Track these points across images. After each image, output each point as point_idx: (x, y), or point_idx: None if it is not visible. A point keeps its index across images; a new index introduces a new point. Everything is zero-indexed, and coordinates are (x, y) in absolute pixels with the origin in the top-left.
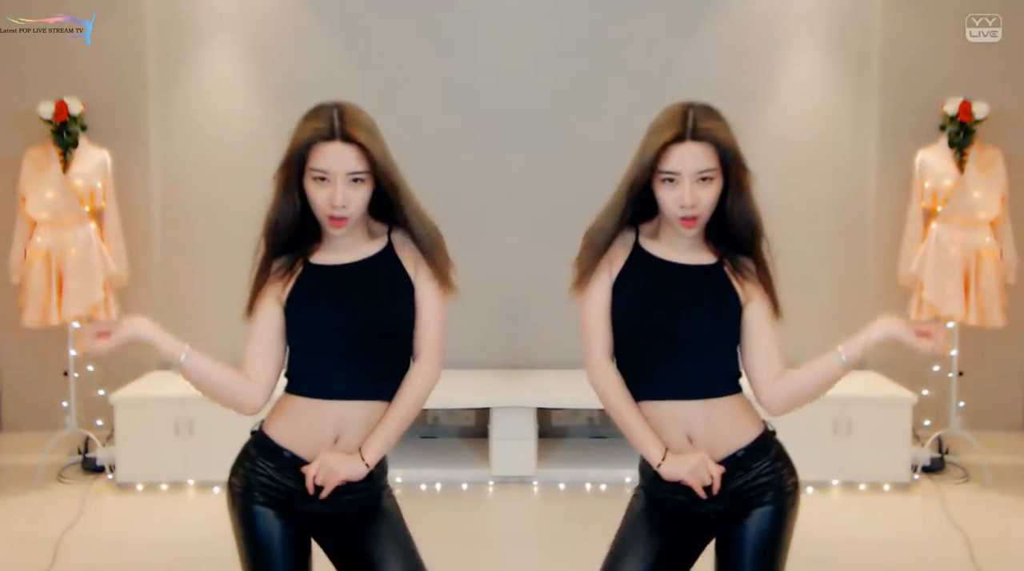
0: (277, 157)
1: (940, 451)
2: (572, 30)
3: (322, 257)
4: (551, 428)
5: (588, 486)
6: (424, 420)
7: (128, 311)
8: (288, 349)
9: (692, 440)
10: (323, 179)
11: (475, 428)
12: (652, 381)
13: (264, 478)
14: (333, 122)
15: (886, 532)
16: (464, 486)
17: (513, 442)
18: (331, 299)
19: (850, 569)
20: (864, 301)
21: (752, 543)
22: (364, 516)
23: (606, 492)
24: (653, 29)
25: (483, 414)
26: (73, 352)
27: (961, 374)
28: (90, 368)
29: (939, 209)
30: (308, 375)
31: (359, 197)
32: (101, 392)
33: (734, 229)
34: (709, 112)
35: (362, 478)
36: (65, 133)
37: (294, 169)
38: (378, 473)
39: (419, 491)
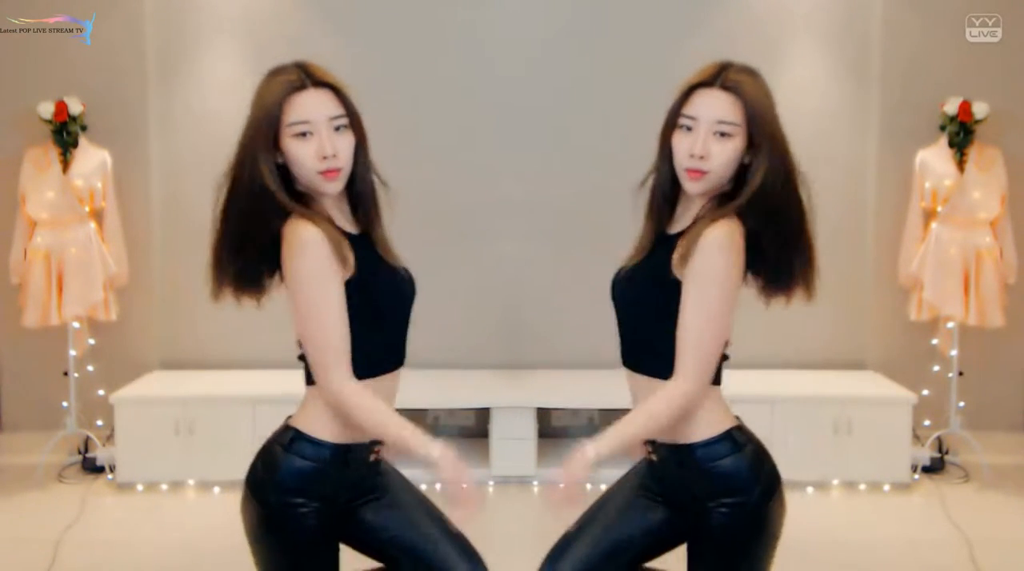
0: None
1: (940, 451)
2: (571, 31)
3: None
4: (551, 428)
5: (588, 486)
6: (424, 420)
7: (128, 311)
8: (352, 327)
9: None
10: (304, 134)
11: (475, 428)
12: (621, 348)
13: (323, 498)
14: (301, 72)
15: (886, 532)
16: (464, 486)
17: (513, 442)
18: (386, 267)
19: (850, 569)
20: (864, 301)
21: (706, 559)
22: (379, 486)
23: None
24: (652, 29)
25: (483, 414)
26: (73, 352)
27: (961, 374)
28: (90, 368)
29: (939, 209)
30: (380, 350)
31: (346, 144)
32: (101, 392)
33: (750, 198)
34: (746, 68)
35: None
36: (65, 133)
37: (270, 130)
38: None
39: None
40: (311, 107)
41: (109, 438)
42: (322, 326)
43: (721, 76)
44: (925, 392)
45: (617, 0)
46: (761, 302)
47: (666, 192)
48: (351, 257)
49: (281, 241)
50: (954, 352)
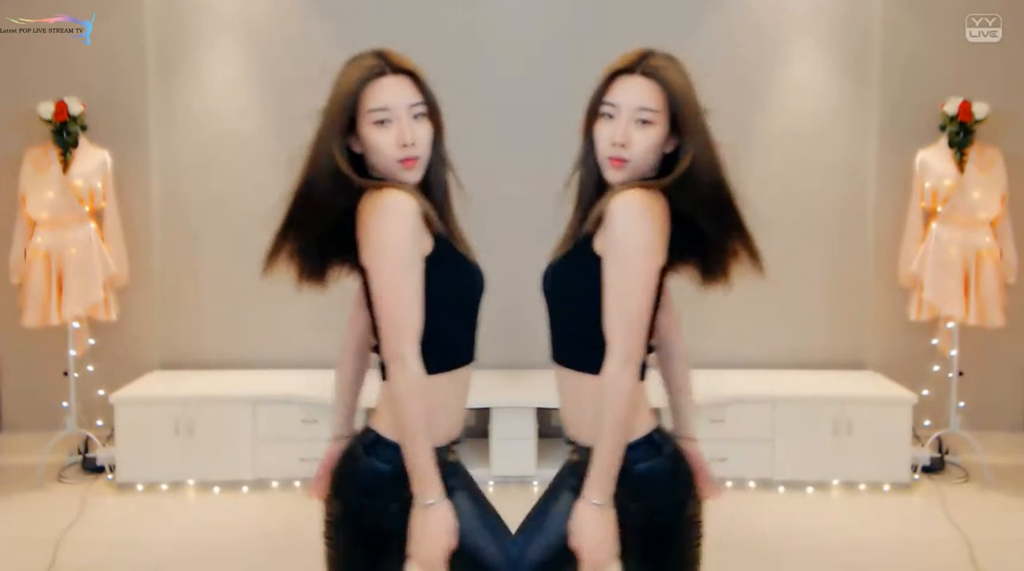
0: (276, 157)
1: (940, 451)
2: (571, 31)
3: None
4: (551, 428)
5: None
6: None
7: (128, 311)
8: (426, 314)
9: (562, 415)
10: (382, 122)
11: (475, 428)
12: (551, 343)
13: (401, 499)
14: (382, 59)
15: (886, 532)
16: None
17: (513, 442)
18: (461, 256)
19: (850, 569)
20: (864, 301)
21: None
22: (455, 487)
23: None
24: (652, 29)
25: (483, 414)
26: (73, 352)
27: (961, 374)
28: (90, 368)
29: (939, 209)
30: (453, 340)
31: (425, 133)
32: (101, 392)
33: (679, 181)
34: (666, 56)
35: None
36: (65, 133)
37: (346, 116)
38: None
39: None
40: (390, 94)
41: (109, 438)
42: (401, 300)
43: (642, 63)
44: (925, 392)
45: (617, 0)
46: (699, 292)
47: (594, 182)
48: (436, 221)
49: (356, 217)
50: (954, 352)
